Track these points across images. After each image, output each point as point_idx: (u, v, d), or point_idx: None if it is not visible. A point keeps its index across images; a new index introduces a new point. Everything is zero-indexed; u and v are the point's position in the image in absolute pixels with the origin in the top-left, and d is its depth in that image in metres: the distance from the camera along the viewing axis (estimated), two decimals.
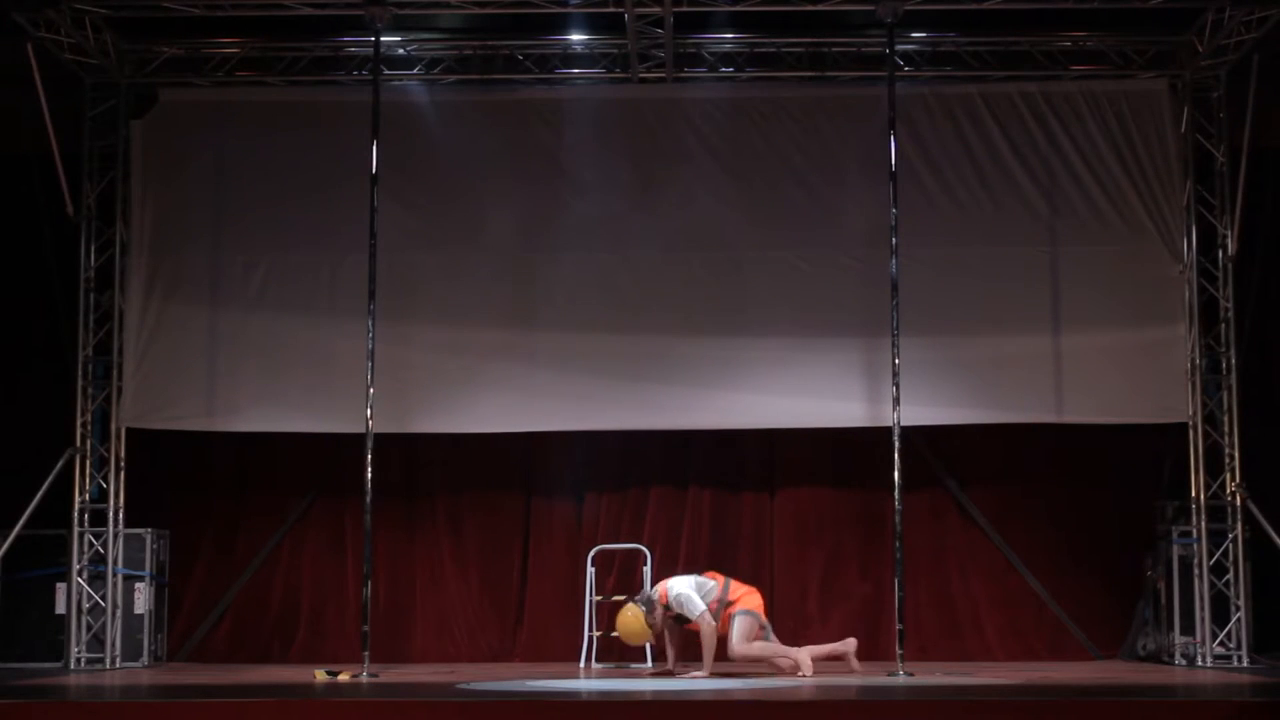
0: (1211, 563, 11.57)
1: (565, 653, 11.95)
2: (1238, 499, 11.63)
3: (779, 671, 10.66)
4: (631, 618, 10.78)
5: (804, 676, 10.38)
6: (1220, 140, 11.92)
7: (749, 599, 10.76)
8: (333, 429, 11.83)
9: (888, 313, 10.94)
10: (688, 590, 10.65)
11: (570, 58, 12.30)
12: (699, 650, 11.10)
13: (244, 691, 9.47)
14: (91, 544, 11.83)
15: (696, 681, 10.24)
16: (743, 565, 11.99)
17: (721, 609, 10.66)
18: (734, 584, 10.82)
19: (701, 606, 10.59)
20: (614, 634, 11.79)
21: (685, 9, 11.36)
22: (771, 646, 10.69)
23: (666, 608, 10.72)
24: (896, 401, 10.79)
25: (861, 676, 10.44)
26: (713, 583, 10.79)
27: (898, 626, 10.59)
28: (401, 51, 12.20)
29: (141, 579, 11.82)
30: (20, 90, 11.57)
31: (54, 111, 11.52)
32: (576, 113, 12.28)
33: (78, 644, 11.67)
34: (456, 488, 12.49)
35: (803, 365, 11.94)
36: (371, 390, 10.92)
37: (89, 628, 11.72)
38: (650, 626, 10.76)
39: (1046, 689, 9.37)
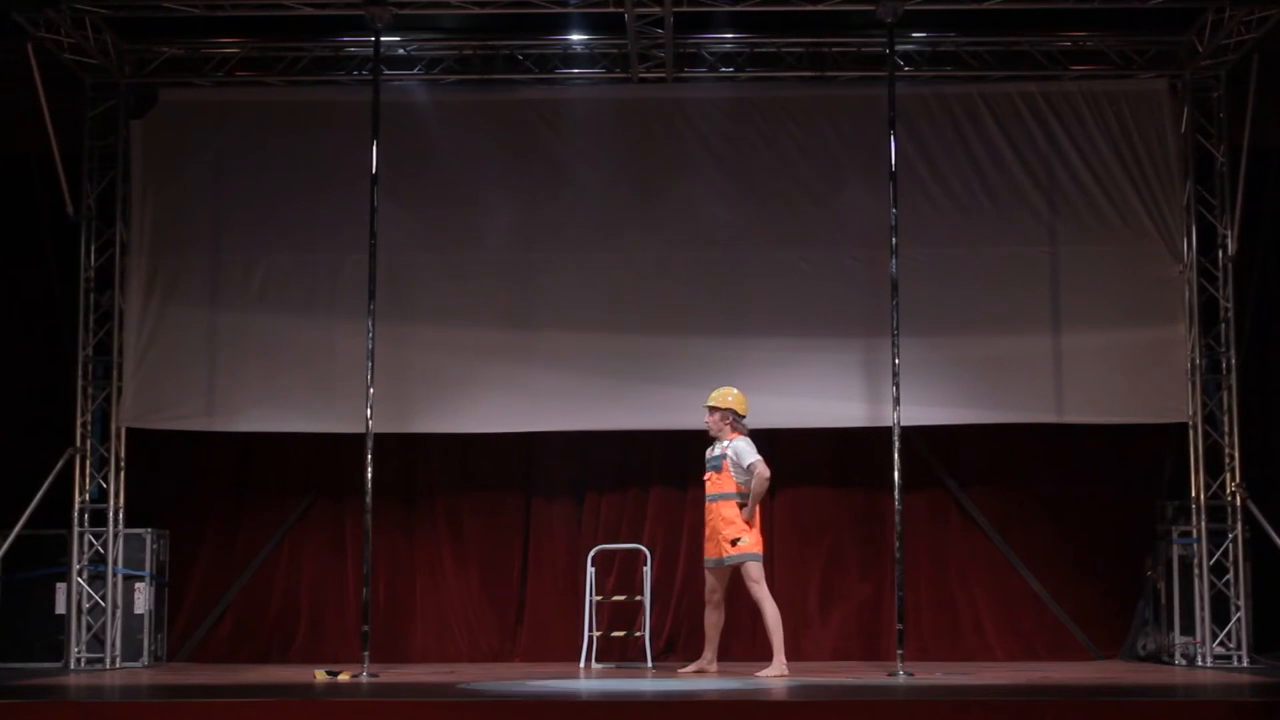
0: (1211, 563, 11.57)
1: (565, 653, 11.94)
2: (1238, 499, 11.63)
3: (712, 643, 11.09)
4: (734, 395, 11.07)
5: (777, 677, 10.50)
6: (1220, 140, 11.92)
7: (758, 541, 10.95)
8: (333, 429, 11.84)
9: (888, 313, 10.93)
10: (750, 450, 10.92)
11: (570, 58, 12.30)
12: (698, 651, 11.15)
13: (244, 691, 9.47)
14: (91, 544, 11.83)
15: (702, 679, 10.27)
16: None
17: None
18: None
19: (757, 457, 10.86)
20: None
21: (685, 9, 11.36)
22: (773, 626, 10.73)
23: (718, 415, 11.02)
24: (896, 401, 10.78)
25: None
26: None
27: (898, 626, 10.59)
28: (401, 51, 12.20)
29: (141, 579, 11.82)
30: (20, 90, 11.57)
31: (54, 111, 11.52)
32: (576, 113, 12.28)
33: (78, 644, 11.67)
34: (456, 488, 12.49)
35: (803, 365, 11.94)
36: (371, 390, 10.91)
37: (89, 628, 11.72)
38: (710, 410, 11.02)
39: (1046, 689, 9.37)
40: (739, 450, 10.94)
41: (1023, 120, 12.08)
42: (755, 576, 10.77)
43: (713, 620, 11.07)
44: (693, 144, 12.17)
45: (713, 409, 11.08)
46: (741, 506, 10.86)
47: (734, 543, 10.79)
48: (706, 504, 11.01)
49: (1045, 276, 11.97)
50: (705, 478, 11.05)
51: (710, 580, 11.01)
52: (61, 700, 9.06)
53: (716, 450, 11.04)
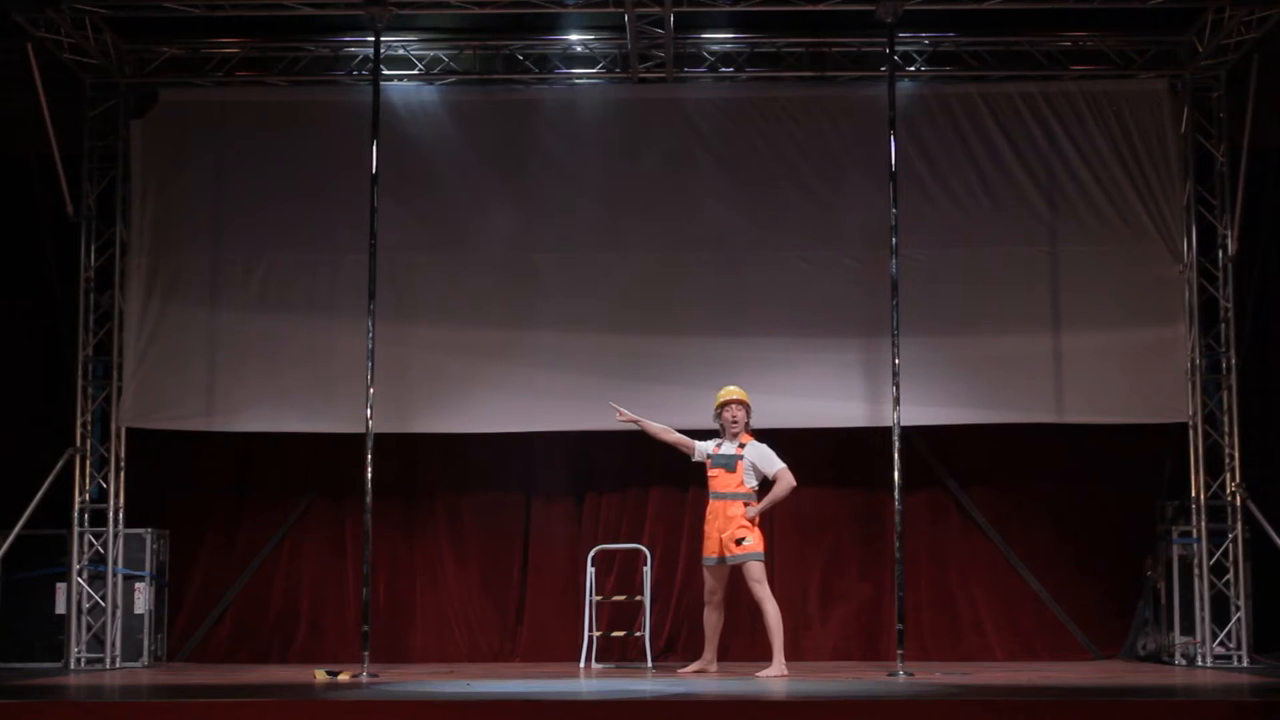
0: (1211, 563, 11.57)
1: (565, 653, 11.94)
2: (1238, 499, 11.63)
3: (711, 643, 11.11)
4: (739, 394, 11.09)
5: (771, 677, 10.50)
6: (1220, 140, 11.93)
7: (761, 540, 10.93)
8: (333, 429, 11.84)
9: (888, 313, 10.93)
10: (776, 458, 10.95)
11: (570, 58, 12.30)
12: (698, 651, 11.15)
13: (244, 691, 9.47)
14: (91, 544, 11.84)
15: (702, 679, 10.28)
16: None
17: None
18: None
19: (784, 465, 10.91)
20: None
21: (685, 9, 11.37)
22: (774, 626, 10.71)
23: (744, 410, 11.03)
24: (896, 401, 10.78)
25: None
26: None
27: (898, 626, 10.59)
28: (401, 51, 12.21)
29: (141, 579, 11.82)
30: (20, 90, 11.57)
31: (54, 111, 11.53)
32: (576, 113, 12.28)
33: (78, 644, 11.67)
34: (456, 488, 12.49)
35: (803, 365, 11.94)
36: (371, 390, 10.91)
37: (89, 628, 11.72)
38: (737, 405, 11.01)
39: (1046, 689, 9.37)
40: (766, 457, 10.94)
41: (1023, 120, 12.08)
42: (757, 576, 10.77)
43: (713, 621, 11.07)
44: (693, 144, 12.18)
45: (740, 403, 11.07)
46: (746, 505, 10.85)
47: (739, 542, 10.78)
48: (711, 501, 10.98)
49: (1045, 276, 11.97)
50: (711, 474, 11.01)
51: (710, 581, 10.99)
52: (61, 700, 9.06)
53: (727, 449, 11.00)
